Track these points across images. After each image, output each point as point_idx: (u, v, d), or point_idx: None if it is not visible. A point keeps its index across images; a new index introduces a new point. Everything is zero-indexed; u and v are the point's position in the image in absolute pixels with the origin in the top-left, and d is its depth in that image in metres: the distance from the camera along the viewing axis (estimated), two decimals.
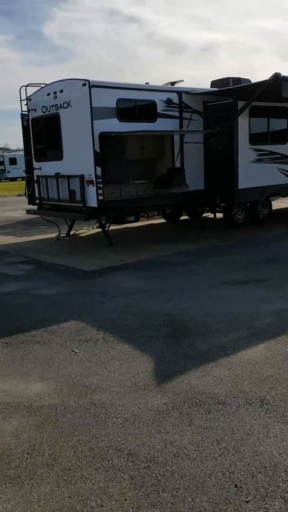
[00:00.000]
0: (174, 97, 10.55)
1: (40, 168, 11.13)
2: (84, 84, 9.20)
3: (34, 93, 10.82)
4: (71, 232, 11.76)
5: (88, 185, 9.66)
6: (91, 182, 9.58)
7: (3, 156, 48.57)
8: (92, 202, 9.65)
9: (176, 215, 13.52)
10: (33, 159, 11.35)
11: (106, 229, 10.39)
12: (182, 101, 10.65)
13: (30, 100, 10.94)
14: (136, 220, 10.93)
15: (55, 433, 3.48)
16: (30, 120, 11.11)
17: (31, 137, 11.22)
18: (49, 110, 10.41)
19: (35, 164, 11.29)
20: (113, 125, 9.55)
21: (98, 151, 9.42)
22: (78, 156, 9.87)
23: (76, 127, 9.75)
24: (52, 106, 10.26)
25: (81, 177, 9.69)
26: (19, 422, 3.63)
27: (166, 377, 4.27)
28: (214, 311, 5.88)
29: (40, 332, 5.43)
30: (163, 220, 13.62)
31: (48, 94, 10.30)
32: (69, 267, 8.55)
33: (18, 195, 22.92)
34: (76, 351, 4.88)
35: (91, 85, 9.16)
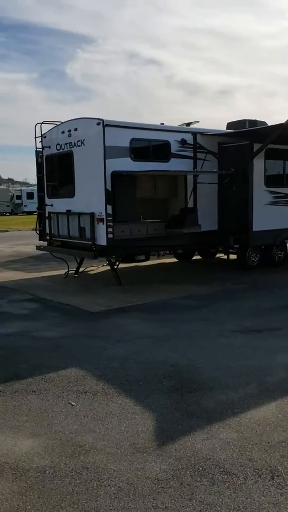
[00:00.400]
0: (189, 138, 10.48)
1: (52, 205, 11.06)
2: (98, 123, 9.18)
3: (49, 130, 10.86)
4: (80, 269, 11.56)
5: (98, 223, 9.51)
6: (101, 220, 9.42)
7: (20, 190, 49.42)
8: (102, 240, 9.47)
9: (188, 255, 13.29)
10: (46, 195, 11.30)
11: (115, 267, 10.15)
12: (196, 141, 10.58)
13: (44, 137, 10.98)
14: (146, 260, 10.70)
15: (39, 503, 3.12)
16: (44, 157, 11.11)
17: (44, 173, 11.20)
18: (63, 148, 10.40)
19: (47, 201, 11.23)
20: (126, 164, 9.47)
21: (110, 190, 9.31)
22: (89, 194, 9.76)
23: (88, 165, 9.69)
24: (66, 144, 10.26)
25: (92, 214, 9.56)
26: (2, 487, 3.29)
27: (167, 438, 3.90)
28: (223, 363, 5.52)
29: (37, 379, 5.11)
30: (174, 259, 13.38)
31: (63, 132, 10.32)
32: (74, 307, 8.28)
33: (33, 229, 22.96)
34: (72, 403, 4.54)
35: (105, 124, 9.13)
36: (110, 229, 9.37)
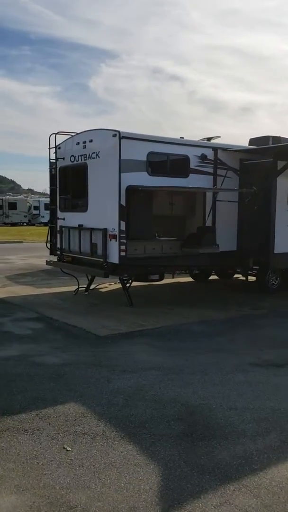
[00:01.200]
0: (209, 153, 9.98)
1: (64, 219, 10.62)
2: (115, 135, 8.74)
3: (64, 141, 10.47)
4: (92, 287, 11.06)
5: (110, 240, 9.02)
6: (114, 236, 8.93)
7: (38, 201, 49.42)
8: (114, 258, 8.97)
9: (204, 275, 12.70)
10: (58, 208, 10.88)
11: (127, 287, 9.62)
12: (217, 157, 10.07)
13: (59, 148, 10.59)
14: (160, 280, 10.15)
15: None
16: (57, 168, 10.72)
17: (58, 186, 10.79)
18: (77, 159, 9.99)
19: (59, 214, 10.80)
20: (142, 178, 8.99)
21: (124, 205, 8.83)
22: (103, 209, 9.30)
23: (103, 179, 9.24)
24: (81, 156, 9.84)
25: (104, 230, 9.07)
26: None
27: (174, 502, 3.32)
28: (240, 404, 4.92)
29: (31, 416, 4.57)
30: (190, 279, 12.81)
31: (78, 144, 9.91)
32: (81, 329, 7.76)
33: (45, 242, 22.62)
34: (68, 448, 3.99)
35: (121, 136, 8.69)
36: (123, 247, 8.87)
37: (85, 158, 9.70)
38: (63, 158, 10.45)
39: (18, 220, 46.36)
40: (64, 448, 3.99)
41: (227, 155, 10.20)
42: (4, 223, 45.86)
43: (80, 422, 4.47)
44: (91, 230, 9.47)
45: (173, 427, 4.40)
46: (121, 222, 8.83)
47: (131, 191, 8.89)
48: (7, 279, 13.02)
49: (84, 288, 10.84)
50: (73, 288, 10.85)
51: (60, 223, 10.67)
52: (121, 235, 8.85)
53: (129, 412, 4.68)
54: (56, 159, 10.61)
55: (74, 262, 10.26)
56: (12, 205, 47.12)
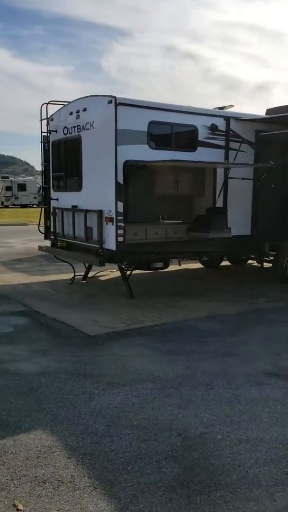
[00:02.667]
0: (221, 123, 8.74)
1: (57, 199, 9.53)
2: (110, 102, 7.57)
3: (57, 111, 9.32)
4: (90, 275, 10.02)
5: (107, 223, 7.92)
6: (110, 219, 7.83)
7: None
8: (110, 244, 7.88)
9: (215, 261, 11.56)
10: (51, 188, 9.79)
11: (127, 276, 8.54)
12: (229, 128, 8.83)
13: (51, 120, 9.45)
14: (165, 268, 9.03)
15: None
16: (50, 143, 9.59)
17: (50, 163, 9.68)
18: (70, 132, 8.85)
19: (52, 194, 9.71)
20: (143, 152, 7.83)
21: (122, 183, 7.70)
22: (98, 188, 8.19)
23: (98, 153, 8.10)
24: (74, 127, 8.70)
25: (100, 212, 7.97)
26: None
27: None
28: (253, 433, 3.86)
29: None
30: (199, 265, 11.68)
31: (71, 113, 8.76)
32: (70, 326, 6.73)
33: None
34: (19, 506, 2.98)
35: (117, 103, 7.51)
36: (120, 231, 7.77)
37: (79, 130, 8.56)
38: (56, 131, 9.31)
39: (28, 201, 45.38)
40: (14, 505, 2.98)
41: (241, 125, 8.95)
42: (14, 205, 44.99)
43: (43, 461, 3.45)
44: (86, 212, 8.38)
45: (164, 470, 3.36)
46: (118, 202, 7.71)
47: (130, 167, 7.75)
48: (2, 265, 12.06)
49: (82, 276, 9.80)
50: (71, 275, 9.82)
51: (53, 204, 9.59)
52: (119, 218, 7.75)
53: (110, 446, 3.65)
54: (48, 132, 9.48)
55: (69, 247, 9.21)
56: (22, 187, 46.11)
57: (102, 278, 10.33)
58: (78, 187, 8.75)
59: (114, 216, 7.75)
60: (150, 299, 8.37)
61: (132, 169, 7.82)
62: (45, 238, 10.32)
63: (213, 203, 8.84)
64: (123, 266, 8.51)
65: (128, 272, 8.61)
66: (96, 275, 10.30)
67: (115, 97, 7.53)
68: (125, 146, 7.68)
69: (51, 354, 5.65)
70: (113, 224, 7.79)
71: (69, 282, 9.65)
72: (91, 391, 4.62)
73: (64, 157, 9.22)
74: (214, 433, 3.86)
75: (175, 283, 9.97)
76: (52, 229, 9.60)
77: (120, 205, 7.73)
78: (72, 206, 8.81)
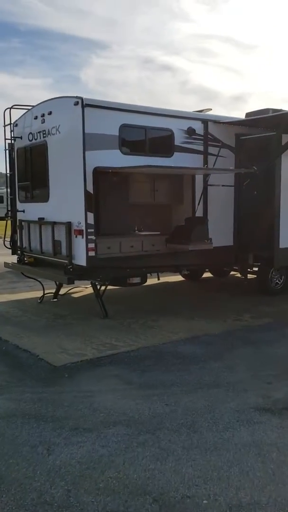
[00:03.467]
0: (198, 127, 8.12)
1: (23, 211, 8.77)
2: (76, 103, 6.87)
3: (21, 116, 8.58)
4: (62, 291, 9.23)
5: (76, 236, 7.18)
6: (80, 232, 7.10)
7: None
8: (81, 259, 7.15)
9: (196, 273, 10.89)
10: (17, 198, 9.01)
11: (101, 293, 7.79)
12: (208, 132, 8.21)
13: (16, 125, 8.70)
14: (142, 283, 8.33)
15: None
16: (15, 150, 8.84)
17: (16, 171, 8.92)
18: (35, 137, 8.12)
19: (19, 206, 8.95)
20: (114, 158, 7.15)
21: (91, 192, 6.98)
22: (66, 198, 7.47)
23: (65, 160, 7.39)
24: (40, 132, 7.97)
25: (68, 225, 7.24)
26: None
27: None
28: (246, 494, 3.15)
29: None
30: (180, 278, 10.99)
31: (36, 118, 8.03)
32: (33, 355, 5.94)
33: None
34: None
35: (84, 104, 6.82)
36: (91, 245, 7.05)
37: (45, 135, 7.83)
38: (21, 137, 8.57)
39: (3, 213, 44.21)
40: None
41: (220, 129, 8.34)
42: None
43: None
44: (53, 224, 7.64)
45: None
46: (88, 213, 6.99)
47: (101, 174, 7.06)
48: None
49: (52, 294, 9.00)
50: (41, 293, 9.00)
51: (19, 216, 8.81)
52: (89, 230, 7.02)
53: None
54: (12, 138, 8.73)
55: (37, 263, 8.44)
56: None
57: (75, 295, 9.55)
58: (45, 197, 8.01)
59: (84, 228, 7.02)
60: (126, 318, 7.64)
61: (103, 176, 7.13)
62: (13, 253, 9.51)
63: (193, 212, 8.19)
64: (96, 283, 7.76)
65: (103, 288, 7.86)
66: (68, 292, 9.51)
67: (81, 98, 6.84)
68: (94, 152, 6.98)
69: (8, 391, 4.87)
70: (83, 237, 7.06)
71: (38, 301, 8.84)
72: (51, 440, 3.85)
73: (30, 165, 8.48)
74: (199, 496, 3.13)
75: (153, 299, 9.24)
76: (18, 244, 8.82)
77: (91, 216, 7.01)
78: (39, 218, 8.05)
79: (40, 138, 7.96)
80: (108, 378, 5.20)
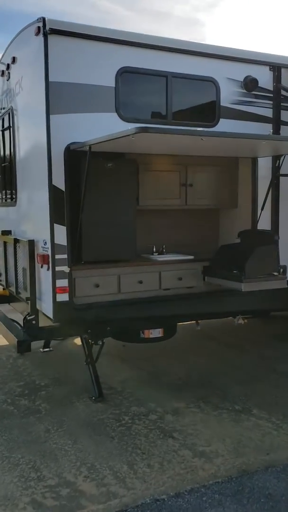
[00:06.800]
0: (264, 76, 4.76)
1: None
2: (37, 32, 3.82)
3: None
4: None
5: (41, 266, 4.14)
6: (43, 259, 4.05)
7: None
8: (47, 305, 4.10)
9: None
10: None
11: (94, 358, 4.68)
12: (281, 85, 4.82)
13: None
14: (167, 337, 5.14)
15: None
16: None
17: None
18: (3, 105, 5.19)
19: None
20: (108, 127, 3.95)
21: (63, 189, 3.91)
22: (30, 200, 4.47)
23: (28, 134, 4.38)
24: (6, 96, 5.03)
25: (30, 245, 4.22)
26: None
27: None
28: None
29: None
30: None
31: (2, 74, 5.09)
32: None
33: None
34: None
35: (48, 31, 3.75)
36: (62, 282, 3.97)
37: (11, 99, 4.87)
38: None
39: None
40: None
41: None
42: None
43: None
44: (15, 243, 4.66)
45: None
46: (57, 227, 3.92)
47: (81, 157, 3.94)
48: None
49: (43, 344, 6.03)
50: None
51: None
52: (58, 257, 3.95)
53: None
54: None
55: (10, 298, 5.52)
56: None
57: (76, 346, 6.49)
58: (12, 199, 5.05)
59: (49, 252, 3.96)
60: (131, 404, 4.47)
61: (84, 161, 4.00)
62: None
63: (253, 222, 4.83)
64: (86, 340, 4.66)
65: (97, 343, 4.73)
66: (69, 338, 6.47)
67: (43, 19, 3.77)
68: (69, 116, 3.90)
69: None
70: (48, 268, 4.00)
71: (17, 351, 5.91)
72: None
73: (3, 148, 5.55)
74: None
75: (182, 355, 5.92)
76: None
77: (61, 231, 3.93)
78: (2, 232, 5.12)
79: (6, 103, 5.02)
80: None
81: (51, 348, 6.12)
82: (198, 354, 5.90)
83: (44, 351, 6.07)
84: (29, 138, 4.36)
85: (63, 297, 3.97)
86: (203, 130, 3.87)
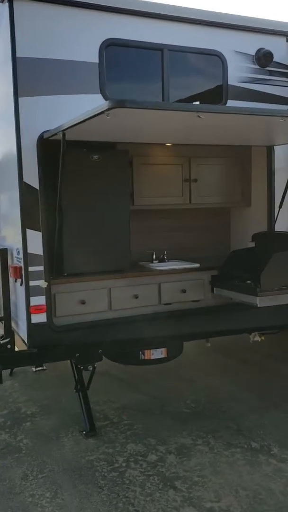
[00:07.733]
0: (281, 49, 4.03)
1: None
2: None
3: None
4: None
5: (15, 280, 3.47)
6: (17, 272, 3.38)
7: None
8: (22, 327, 3.43)
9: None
10: None
11: (85, 383, 4.02)
12: None
13: None
14: (171, 358, 4.44)
15: None
16: None
17: None
18: None
19: None
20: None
21: (36, 187, 3.24)
22: (5, 203, 3.82)
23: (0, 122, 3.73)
24: None
25: (3, 254, 3.56)
26: None
27: None
28: None
29: None
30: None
31: None
32: None
33: None
34: None
35: None
36: (37, 299, 3.29)
37: None
38: None
39: None
40: None
41: None
42: None
43: None
44: None
45: None
46: (30, 232, 3.25)
47: (55, 148, 3.25)
48: None
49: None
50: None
51: None
52: (32, 269, 3.28)
53: None
54: None
55: None
56: None
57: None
58: None
59: (22, 264, 3.29)
60: (129, 438, 3.78)
61: (67, 154, 3.31)
62: None
63: (269, 223, 4.09)
64: (75, 365, 3.99)
65: (87, 368, 4.06)
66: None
67: None
68: (43, 99, 3.23)
69: None
70: (22, 282, 3.33)
71: (9, 374, 5.29)
72: None
73: None
74: None
75: (190, 375, 5.19)
76: None
77: (35, 238, 3.26)
78: None
79: None
80: None
81: (44, 367, 5.43)
82: (209, 374, 5.17)
83: (36, 371, 5.39)
84: (1, 128, 3.70)
85: (39, 317, 3.30)
86: (199, 105, 3.16)
